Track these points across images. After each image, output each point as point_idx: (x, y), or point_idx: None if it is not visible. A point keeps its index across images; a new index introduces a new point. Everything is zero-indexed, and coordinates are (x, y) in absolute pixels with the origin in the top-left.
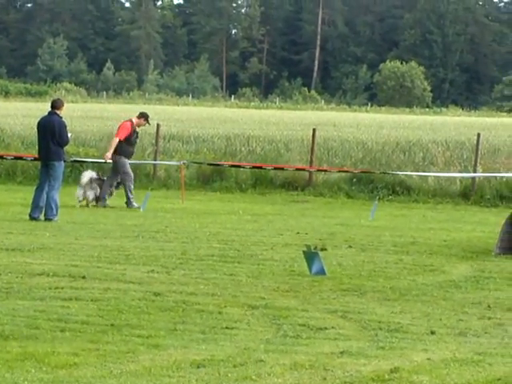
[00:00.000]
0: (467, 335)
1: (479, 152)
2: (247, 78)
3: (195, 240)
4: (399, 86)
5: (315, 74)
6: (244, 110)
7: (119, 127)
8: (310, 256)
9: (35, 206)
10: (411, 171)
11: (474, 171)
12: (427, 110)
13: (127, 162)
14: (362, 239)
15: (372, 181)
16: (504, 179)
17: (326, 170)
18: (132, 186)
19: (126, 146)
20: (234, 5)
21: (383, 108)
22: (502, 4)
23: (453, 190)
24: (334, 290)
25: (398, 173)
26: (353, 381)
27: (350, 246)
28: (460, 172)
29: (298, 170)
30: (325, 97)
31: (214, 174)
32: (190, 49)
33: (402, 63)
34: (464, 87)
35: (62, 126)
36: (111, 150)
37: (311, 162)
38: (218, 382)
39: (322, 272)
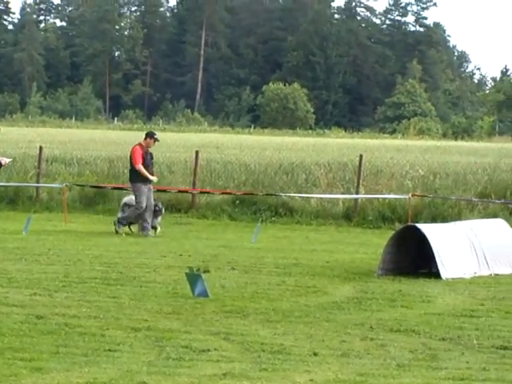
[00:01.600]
0: (350, 356)
1: (361, 173)
2: (130, 100)
3: (78, 263)
4: (282, 108)
5: (198, 96)
6: (127, 132)
7: (132, 154)
8: (193, 278)
9: None
10: (294, 193)
11: (357, 193)
12: (310, 131)
13: (144, 188)
14: (245, 261)
15: (255, 203)
16: (386, 200)
17: (208, 192)
18: (145, 216)
19: None
20: (117, 27)
21: (266, 130)
22: (385, 26)
23: (335, 211)
24: (217, 311)
25: (281, 194)
26: None
27: (233, 268)
28: (342, 193)
29: (180, 192)
30: (208, 119)
31: (96, 197)
32: (73, 71)
33: (285, 85)
34: (347, 109)
35: None
36: (148, 175)
37: (194, 184)
38: None
39: (204, 294)
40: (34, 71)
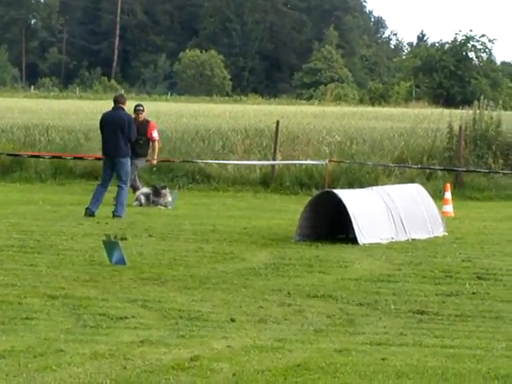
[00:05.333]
0: (267, 322)
1: (278, 140)
2: (47, 68)
3: None
4: (199, 75)
5: (115, 64)
6: (44, 100)
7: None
8: (110, 245)
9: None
10: (211, 159)
11: (274, 159)
12: (227, 98)
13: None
14: (162, 228)
15: (172, 170)
16: (303, 166)
17: None
18: None
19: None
20: None
21: (183, 97)
22: None
23: (252, 177)
24: (135, 279)
25: (198, 161)
26: (153, 369)
27: (151, 235)
28: (259, 160)
29: (97, 159)
30: (124, 86)
31: (13, 165)
32: None
33: (201, 52)
34: (264, 75)
35: (132, 121)
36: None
37: None
38: (18, 372)
39: (122, 261)
40: None
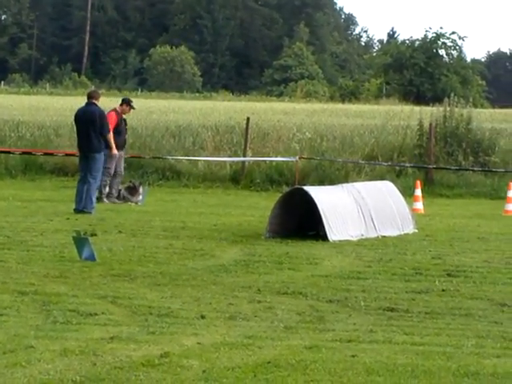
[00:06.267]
0: (237, 319)
1: (249, 136)
2: (17, 64)
3: None
4: (169, 71)
5: (85, 60)
6: (14, 96)
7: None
8: (80, 241)
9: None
10: (181, 156)
11: (244, 155)
12: (197, 94)
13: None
14: (132, 224)
15: (142, 166)
16: (273, 163)
17: None
18: (108, 182)
19: (115, 136)
20: None
21: (153, 93)
22: None
23: (223, 174)
24: (104, 275)
25: (168, 157)
26: (123, 366)
27: (120, 232)
28: (230, 156)
29: (68, 155)
30: (95, 82)
31: None
32: None
33: (172, 48)
34: (234, 72)
35: (104, 116)
36: (113, 145)
37: None
38: None
39: (91, 257)
40: None
